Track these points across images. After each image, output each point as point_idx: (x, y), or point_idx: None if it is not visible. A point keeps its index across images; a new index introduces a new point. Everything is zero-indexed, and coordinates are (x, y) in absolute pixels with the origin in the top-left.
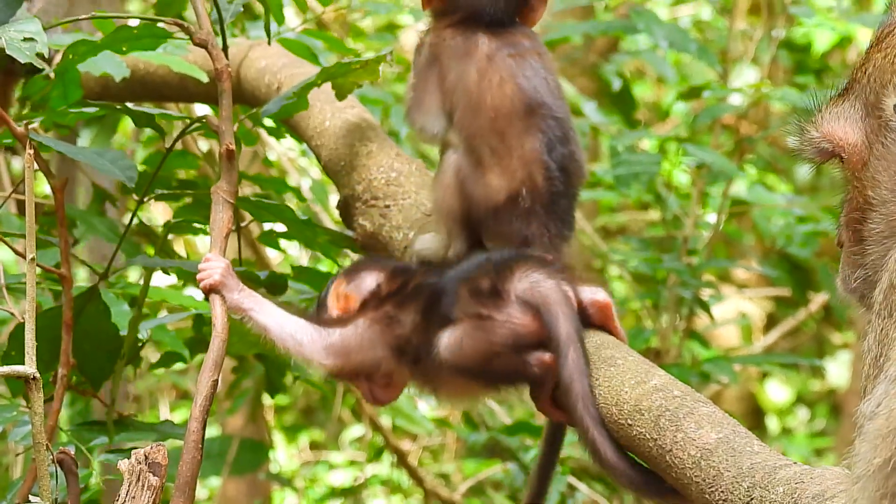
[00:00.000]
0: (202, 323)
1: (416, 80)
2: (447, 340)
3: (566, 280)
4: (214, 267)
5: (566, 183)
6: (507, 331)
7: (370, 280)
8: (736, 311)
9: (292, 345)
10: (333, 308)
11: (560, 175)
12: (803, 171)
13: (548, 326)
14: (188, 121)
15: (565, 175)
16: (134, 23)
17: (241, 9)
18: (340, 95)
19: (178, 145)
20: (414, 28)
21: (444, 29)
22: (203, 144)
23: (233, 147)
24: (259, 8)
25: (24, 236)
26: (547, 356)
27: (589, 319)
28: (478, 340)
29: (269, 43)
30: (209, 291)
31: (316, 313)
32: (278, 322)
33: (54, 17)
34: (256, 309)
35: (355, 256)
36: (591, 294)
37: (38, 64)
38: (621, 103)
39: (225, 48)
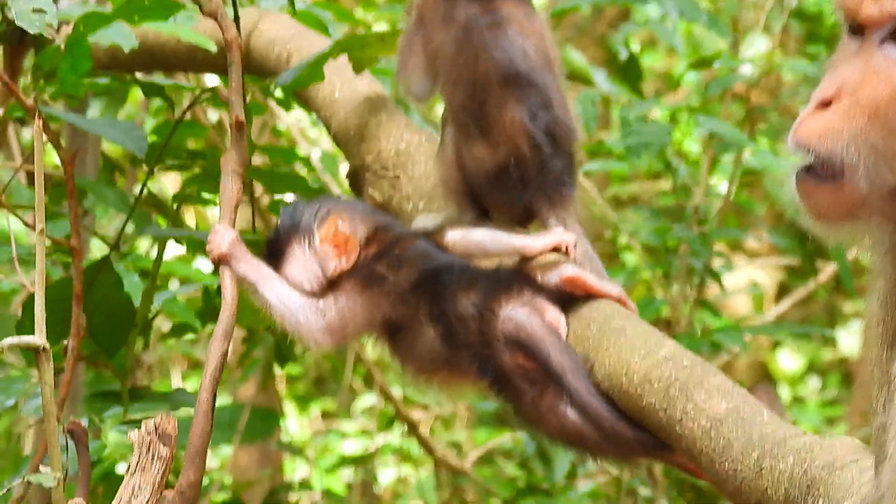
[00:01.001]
0: (211, 294)
1: (404, 42)
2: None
3: (540, 299)
4: (223, 238)
5: (555, 147)
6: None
7: (362, 229)
8: (747, 280)
9: (291, 322)
10: (326, 241)
11: (547, 140)
12: None
13: (541, 365)
14: (198, 91)
15: (553, 139)
16: None
17: None
18: (358, 68)
19: (187, 115)
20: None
21: None
22: (212, 115)
23: (242, 118)
24: None
25: (34, 207)
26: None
27: (573, 295)
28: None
29: (293, 13)
30: (217, 262)
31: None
32: (280, 299)
33: None
34: (261, 283)
35: None
36: (557, 275)
37: (48, 35)
38: (628, 73)
39: (235, 18)
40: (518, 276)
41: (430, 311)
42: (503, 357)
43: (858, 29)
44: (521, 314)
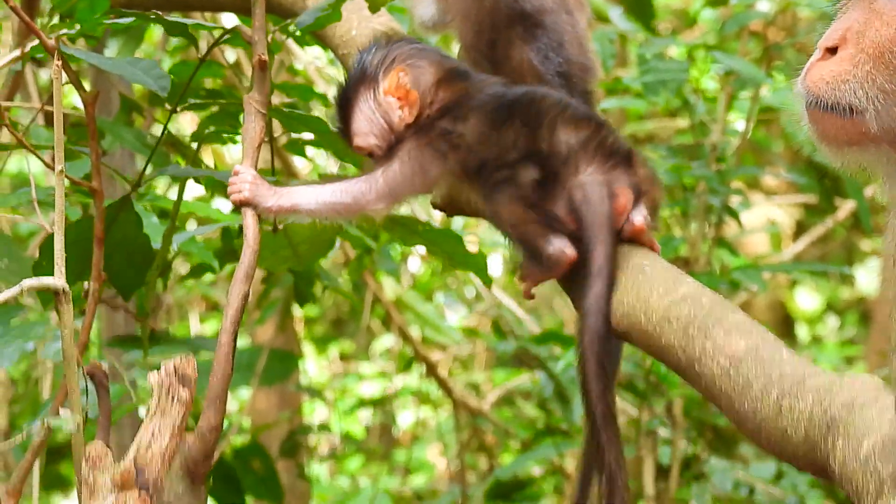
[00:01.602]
0: (231, 235)
1: None
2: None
3: (621, 179)
4: (245, 179)
5: (568, 87)
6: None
7: (428, 77)
8: (765, 218)
9: (344, 210)
10: (389, 92)
11: (561, 81)
12: None
13: (586, 249)
14: (219, 31)
15: (565, 79)
16: None
17: None
18: (374, 8)
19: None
20: None
21: None
22: (230, 55)
23: (265, 57)
24: None
25: (52, 148)
26: (568, 251)
27: (623, 234)
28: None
29: None
30: (241, 205)
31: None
32: (320, 199)
33: None
34: (295, 201)
35: None
36: (631, 217)
37: None
38: (640, 11)
39: None
40: (616, 145)
41: (522, 140)
42: (561, 210)
43: None
44: (594, 190)
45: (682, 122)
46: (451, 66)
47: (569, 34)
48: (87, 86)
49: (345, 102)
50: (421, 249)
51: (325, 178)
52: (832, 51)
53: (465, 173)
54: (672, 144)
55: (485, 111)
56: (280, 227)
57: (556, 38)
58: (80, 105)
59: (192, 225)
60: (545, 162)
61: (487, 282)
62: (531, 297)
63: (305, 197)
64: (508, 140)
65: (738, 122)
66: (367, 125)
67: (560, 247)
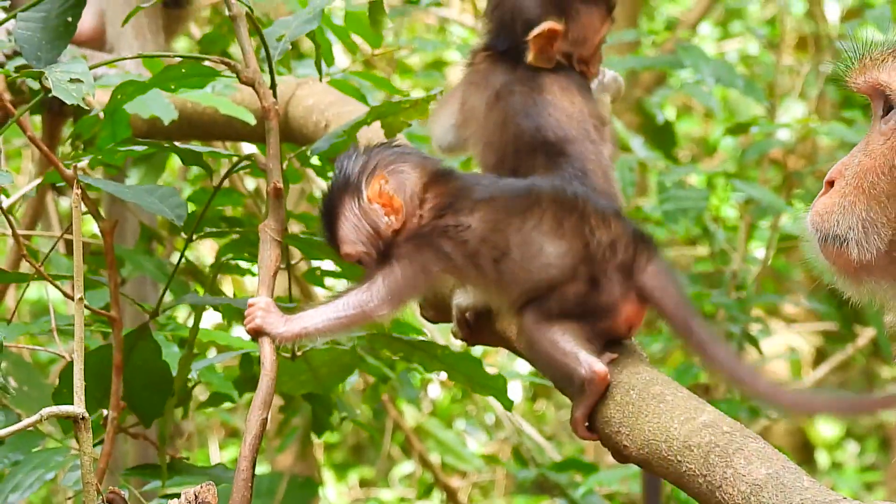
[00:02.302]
0: (250, 362)
1: (444, 97)
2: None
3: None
4: (258, 308)
5: None
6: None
7: (413, 180)
8: (785, 346)
9: (351, 322)
10: (374, 200)
11: None
12: None
13: (680, 328)
14: (235, 158)
15: None
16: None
17: (290, 46)
18: (390, 134)
19: (225, 183)
20: (461, 65)
21: (481, 55)
22: (249, 183)
23: (280, 185)
24: (305, 46)
25: (72, 277)
26: (599, 367)
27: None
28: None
29: (320, 79)
30: (255, 334)
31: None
32: (327, 317)
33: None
34: (304, 325)
35: None
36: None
37: (85, 105)
38: (662, 139)
39: (273, 86)
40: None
41: (560, 226)
42: (620, 291)
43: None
44: (663, 275)
45: (702, 250)
46: (435, 167)
47: (592, 163)
48: (106, 214)
49: (330, 210)
50: (441, 376)
51: (330, 296)
52: (831, 184)
53: (480, 271)
54: (692, 272)
55: (494, 200)
56: (299, 353)
57: (580, 167)
58: (100, 233)
59: (212, 353)
60: (595, 255)
61: (508, 405)
62: (595, 438)
63: (313, 319)
64: (540, 228)
65: (758, 250)
66: (353, 233)
67: (591, 366)
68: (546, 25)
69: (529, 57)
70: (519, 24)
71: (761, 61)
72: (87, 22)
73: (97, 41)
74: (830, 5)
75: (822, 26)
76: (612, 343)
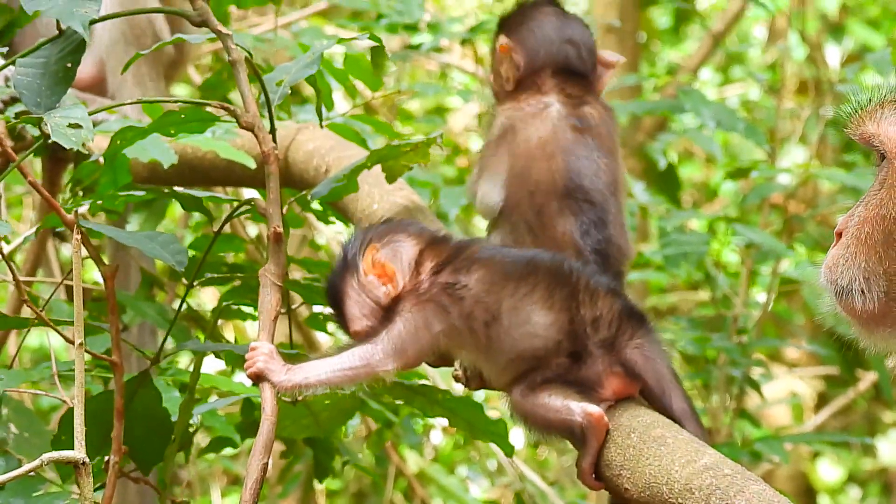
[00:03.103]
0: (252, 407)
1: (487, 151)
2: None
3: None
4: (259, 353)
5: (604, 265)
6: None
7: (408, 248)
8: (786, 390)
9: (354, 375)
10: (370, 272)
11: (596, 258)
12: None
13: (660, 400)
14: (236, 203)
15: (602, 258)
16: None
17: (289, 91)
18: (391, 178)
19: (227, 229)
20: (462, 110)
21: (518, 98)
22: (251, 230)
23: (280, 230)
24: (306, 91)
25: (72, 322)
26: (594, 409)
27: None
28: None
29: (320, 125)
30: (255, 379)
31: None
32: (330, 369)
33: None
34: (306, 375)
35: None
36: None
37: (84, 150)
38: (667, 183)
39: (272, 131)
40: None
41: (550, 297)
42: (603, 366)
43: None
44: (653, 348)
45: (704, 294)
46: (431, 234)
47: (612, 215)
48: (109, 261)
49: (334, 292)
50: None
51: (336, 348)
52: (840, 235)
53: (472, 333)
54: (694, 317)
55: (494, 262)
56: (300, 398)
57: (602, 217)
58: (101, 280)
59: (214, 398)
60: (578, 331)
61: (509, 451)
62: (602, 487)
63: (315, 370)
64: (531, 297)
65: (759, 294)
66: (358, 309)
67: (585, 411)
68: (615, 58)
69: (602, 84)
70: (586, 53)
71: (762, 106)
72: (86, 69)
73: (97, 88)
74: (831, 50)
75: (822, 71)
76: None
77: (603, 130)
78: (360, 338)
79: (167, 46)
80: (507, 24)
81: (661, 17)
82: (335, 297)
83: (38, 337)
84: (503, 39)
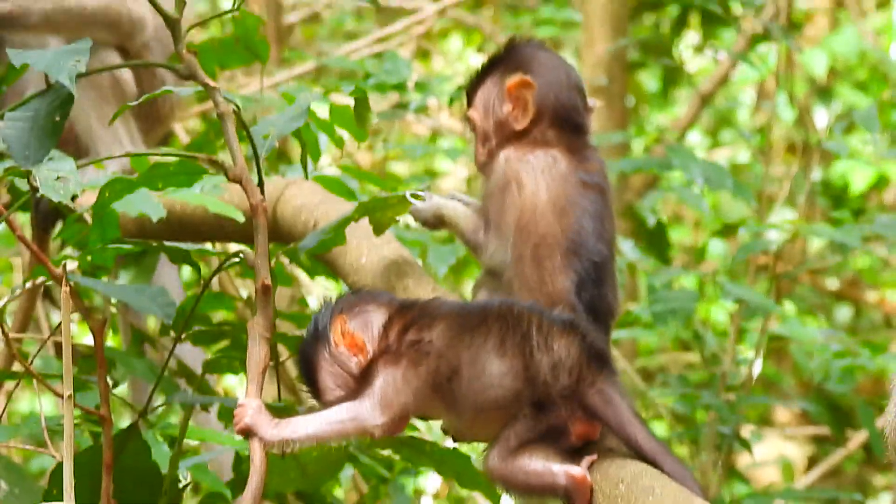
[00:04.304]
0: (241, 462)
1: (491, 201)
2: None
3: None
4: (248, 407)
5: (595, 322)
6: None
7: (377, 317)
8: (776, 453)
9: (342, 430)
10: (339, 344)
11: (587, 315)
12: (843, 312)
13: (630, 446)
14: (223, 257)
15: (594, 315)
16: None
17: (276, 144)
18: (378, 230)
19: (216, 285)
20: (452, 174)
21: (521, 145)
22: (243, 291)
23: (269, 282)
24: (293, 152)
25: (61, 377)
26: (576, 471)
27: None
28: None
29: (305, 177)
30: (244, 434)
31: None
32: (318, 423)
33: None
34: (294, 430)
35: None
36: None
37: (71, 205)
38: (655, 241)
39: (260, 183)
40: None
41: (502, 344)
42: (566, 413)
43: None
44: (612, 391)
45: (693, 356)
46: (400, 302)
47: (610, 273)
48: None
49: (306, 363)
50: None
51: (323, 404)
52: None
53: (438, 390)
54: (683, 374)
55: (452, 316)
56: (288, 450)
57: (599, 275)
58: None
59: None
60: (536, 378)
61: (496, 502)
62: None
63: (303, 425)
64: (485, 346)
65: (748, 352)
66: (331, 380)
67: (567, 473)
68: (592, 102)
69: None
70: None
71: (751, 170)
72: None
73: (71, 144)
74: (819, 113)
75: (811, 134)
76: (590, 443)
77: (605, 185)
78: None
79: (148, 101)
80: (512, 62)
81: (649, 81)
82: (307, 368)
83: (28, 403)
84: (517, 75)
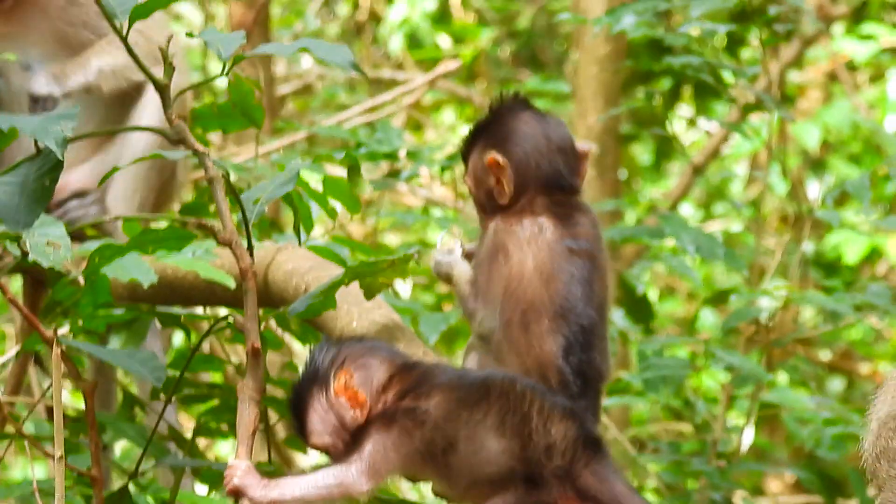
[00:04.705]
0: None
1: (480, 270)
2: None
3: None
4: (237, 468)
5: (583, 387)
6: None
7: (379, 374)
8: None
9: (328, 494)
10: (340, 394)
11: (576, 380)
12: (835, 384)
13: None
14: (213, 320)
15: (583, 379)
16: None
17: (265, 209)
18: (369, 295)
19: (207, 349)
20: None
21: (507, 215)
22: (234, 358)
23: (258, 345)
24: (285, 220)
25: (52, 439)
26: None
27: None
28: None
29: (299, 243)
30: (234, 495)
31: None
32: (306, 488)
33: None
34: (282, 491)
35: None
36: None
37: (62, 269)
38: (640, 311)
39: (250, 248)
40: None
41: (502, 424)
42: (558, 491)
43: None
44: (611, 475)
45: (685, 426)
46: (403, 360)
47: (599, 338)
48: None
49: (298, 402)
50: None
51: (312, 467)
52: None
53: (431, 459)
54: (674, 442)
55: (451, 388)
56: None
57: (588, 339)
58: (80, 399)
59: None
60: (531, 458)
61: None
62: None
63: (291, 486)
64: (484, 423)
65: (739, 420)
66: (321, 424)
67: None
68: (586, 146)
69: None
70: (572, 158)
71: (743, 242)
72: None
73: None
74: (812, 186)
75: (804, 206)
76: None
77: (595, 247)
78: (316, 449)
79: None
80: (491, 136)
81: (642, 154)
82: (299, 408)
83: (21, 471)
84: (492, 153)
